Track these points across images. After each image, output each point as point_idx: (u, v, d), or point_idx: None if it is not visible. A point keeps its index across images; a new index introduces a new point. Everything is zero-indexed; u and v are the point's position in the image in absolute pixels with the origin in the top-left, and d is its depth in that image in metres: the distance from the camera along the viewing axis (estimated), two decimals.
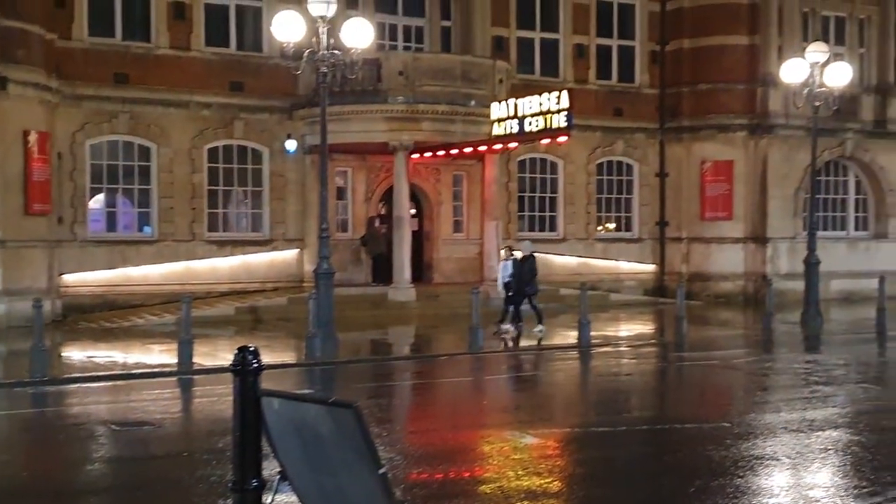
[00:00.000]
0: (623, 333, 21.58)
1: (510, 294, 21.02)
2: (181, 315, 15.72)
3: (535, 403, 13.38)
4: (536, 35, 29.51)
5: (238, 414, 4.39)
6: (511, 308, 21.00)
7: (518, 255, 21.27)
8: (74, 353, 17.82)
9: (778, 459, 9.08)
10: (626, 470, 9.23)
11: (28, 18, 21.82)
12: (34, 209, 22.01)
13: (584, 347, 18.22)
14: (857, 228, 32.85)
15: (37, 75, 22.11)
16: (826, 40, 28.42)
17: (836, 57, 27.44)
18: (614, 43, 30.75)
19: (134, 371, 15.44)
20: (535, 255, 21.44)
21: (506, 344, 19.42)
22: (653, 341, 20.32)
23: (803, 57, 22.54)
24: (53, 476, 9.08)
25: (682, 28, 30.70)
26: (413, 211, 26.91)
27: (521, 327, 20.59)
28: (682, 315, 19.58)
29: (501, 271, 21.51)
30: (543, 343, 19.21)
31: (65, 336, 19.91)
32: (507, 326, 20.73)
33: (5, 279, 21.24)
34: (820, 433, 10.33)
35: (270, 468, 4.35)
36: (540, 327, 20.20)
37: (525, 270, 20.75)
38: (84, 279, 23.58)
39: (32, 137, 21.93)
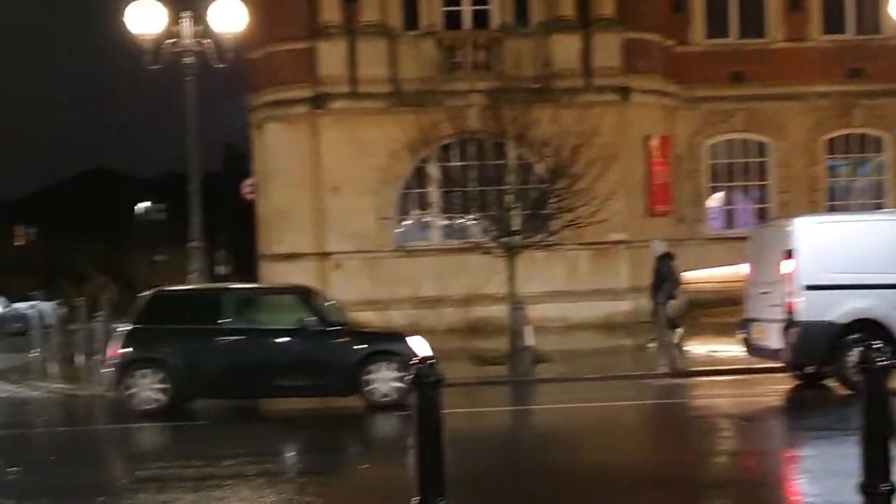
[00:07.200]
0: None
1: None
2: None
3: None
4: None
5: None
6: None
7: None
8: (697, 348, 18.31)
9: None
10: None
11: (649, 28, 23.02)
12: (656, 210, 23.11)
13: None
14: None
15: (656, 82, 23.23)
16: None
17: None
18: None
19: (753, 367, 15.36)
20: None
21: None
22: None
23: None
24: (679, 466, 9.35)
25: None
26: None
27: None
28: None
29: None
30: None
31: (687, 331, 20.44)
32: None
33: (632, 277, 22.55)
34: None
35: None
36: None
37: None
38: (704, 276, 24.15)
39: (653, 142, 23.06)
